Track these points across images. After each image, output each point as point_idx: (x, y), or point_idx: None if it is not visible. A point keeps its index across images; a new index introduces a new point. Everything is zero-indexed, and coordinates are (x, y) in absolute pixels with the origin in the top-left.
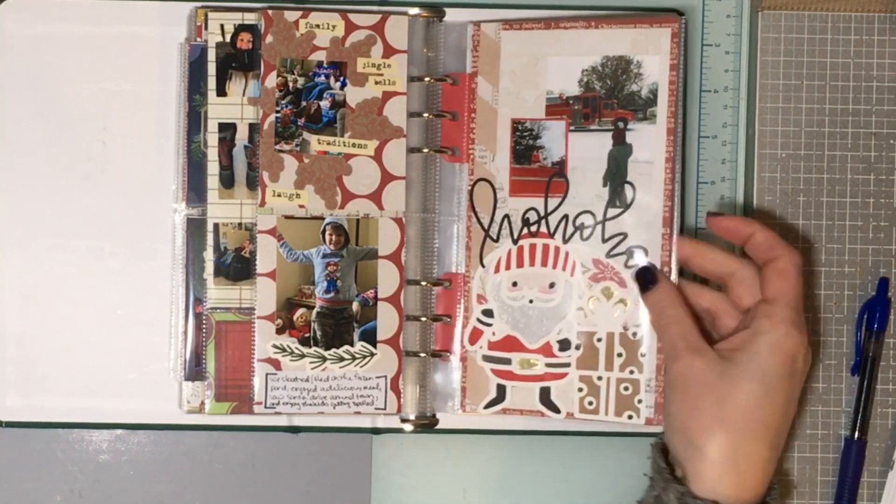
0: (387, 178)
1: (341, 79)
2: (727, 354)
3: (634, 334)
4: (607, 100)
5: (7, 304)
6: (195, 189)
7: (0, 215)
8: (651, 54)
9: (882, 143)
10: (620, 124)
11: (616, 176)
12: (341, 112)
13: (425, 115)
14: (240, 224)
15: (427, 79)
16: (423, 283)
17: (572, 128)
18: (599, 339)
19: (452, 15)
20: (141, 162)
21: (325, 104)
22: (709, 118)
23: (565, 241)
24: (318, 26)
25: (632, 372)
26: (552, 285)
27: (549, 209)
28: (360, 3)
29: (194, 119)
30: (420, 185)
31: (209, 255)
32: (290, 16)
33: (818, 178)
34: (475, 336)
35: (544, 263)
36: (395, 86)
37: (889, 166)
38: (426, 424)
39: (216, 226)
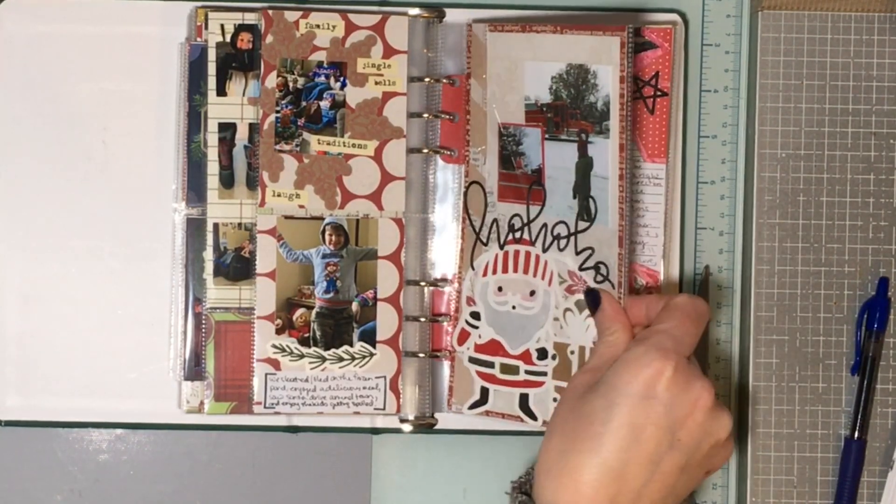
0: (386, 178)
1: (341, 79)
2: None
3: None
4: (572, 109)
5: (7, 304)
6: (195, 189)
7: (0, 215)
8: (604, 64)
9: (882, 143)
10: (583, 136)
11: (582, 189)
12: (341, 112)
13: (425, 115)
14: (240, 224)
15: (427, 79)
16: (423, 284)
17: (547, 136)
18: (573, 352)
19: (453, 15)
20: (141, 162)
21: (325, 104)
22: (709, 118)
23: (544, 250)
24: (318, 26)
25: None
26: (533, 293)
27: (531, 217)
28: (360, 4)
29: (194, 119)
30: (420, 185)
31: (209, 255)
32: (291, 16)
33: (818, 178)
34: (463, 337)
35: (526, 271)
36: (395, 86)
37: (889, 166)
38: (425, 425)
39: (216, 226)
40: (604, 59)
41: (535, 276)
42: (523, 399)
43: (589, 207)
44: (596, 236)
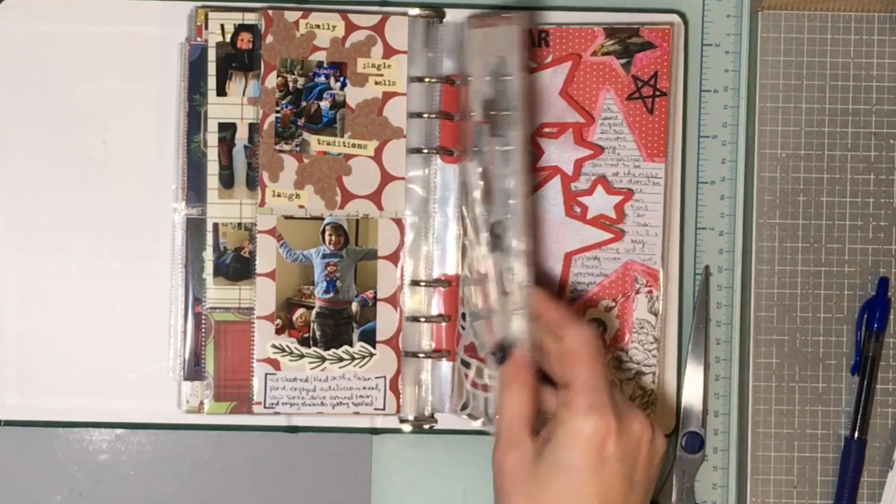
0: (386, 178)
1: (341, 79)
2: (540, 447)
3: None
4: (500, 105)
5: (7, 304)
6: (195, 189)
7: (0, 215)
8: (512, 54)
9: (882, 143)
10: (506, 132)
11: (503, 188)
12: (341, 112)
13: (425, 115)
14: (239, 224)
15: (427, 79)
16: (422, 284)
17: (491, 133)
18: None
19: (453, 15)
20: (141, 162)
21: (325, 104)
22: (709, 118)
23: (492, 250)
24: (318, 26)
25: None
26: (487, 297)
27: (486, 216)
28: (360, 4)
29: (194, 119)
30: (420, 185)
31: (209, 255)
32: (291, 16)
33: (818, 178)
34: (458, 338)
35: (485, 273)
36: (395, 86)
37: (889, 166)
38: (425, 425)
39: (216, 226)
40: (511, 48)
41: (488, 277)
42: (485, 403)
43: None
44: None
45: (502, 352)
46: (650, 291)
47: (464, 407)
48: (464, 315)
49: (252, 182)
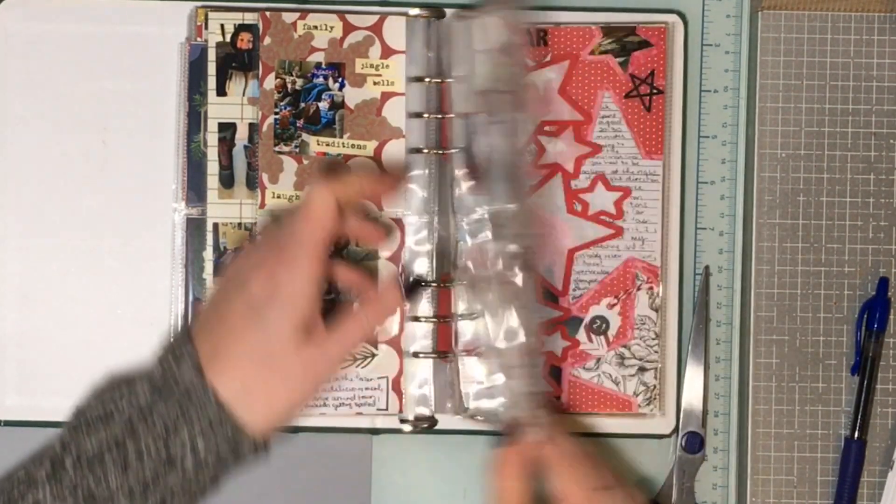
0: None
1: (340, 80)
2: None
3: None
4: (506, 89)
5: (7, 304)
6: (195, 189)
7: (0, 215)
8: (513, 36)
9: (882, 143)
10: (515, 115)
11: (512, 170)
12: (340, 113)
13: (425, 115)
14: (239, 224)
15: (427, 79)
16: (423, 284)
17: (491, 120)
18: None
19: (453, 15)
20: (141, 162)
21: (323, 105)
22: (709, 118)
23: (494, 240)
24: (315, 27)
25: None
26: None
27: (483, 207)
28: (361, 3)
29: (194, 119)
30: (420, 185)
31: (209, 255)
32: (288, 17)
33: (818, 178)
34: (457, 338)
35: (484, 265)
36: (393, 86)
37: (889, 166)
38: (425, 425)
39: (216, 226)
40: (514, 33)
41: (488, 269)
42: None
43: (517, 189)
44: (519, 220)
45: (506, 430)
46: (651, 288)
47: (466, 408)
48: (462, 315)
49: (252, 182)
